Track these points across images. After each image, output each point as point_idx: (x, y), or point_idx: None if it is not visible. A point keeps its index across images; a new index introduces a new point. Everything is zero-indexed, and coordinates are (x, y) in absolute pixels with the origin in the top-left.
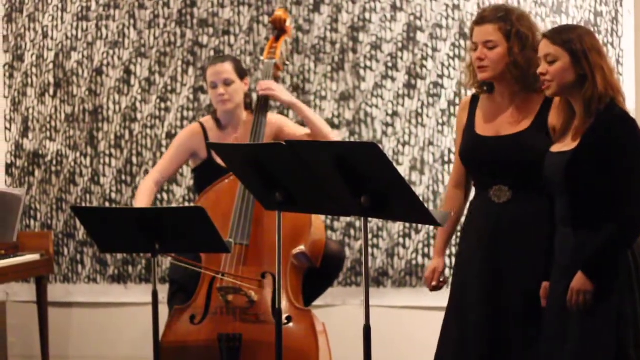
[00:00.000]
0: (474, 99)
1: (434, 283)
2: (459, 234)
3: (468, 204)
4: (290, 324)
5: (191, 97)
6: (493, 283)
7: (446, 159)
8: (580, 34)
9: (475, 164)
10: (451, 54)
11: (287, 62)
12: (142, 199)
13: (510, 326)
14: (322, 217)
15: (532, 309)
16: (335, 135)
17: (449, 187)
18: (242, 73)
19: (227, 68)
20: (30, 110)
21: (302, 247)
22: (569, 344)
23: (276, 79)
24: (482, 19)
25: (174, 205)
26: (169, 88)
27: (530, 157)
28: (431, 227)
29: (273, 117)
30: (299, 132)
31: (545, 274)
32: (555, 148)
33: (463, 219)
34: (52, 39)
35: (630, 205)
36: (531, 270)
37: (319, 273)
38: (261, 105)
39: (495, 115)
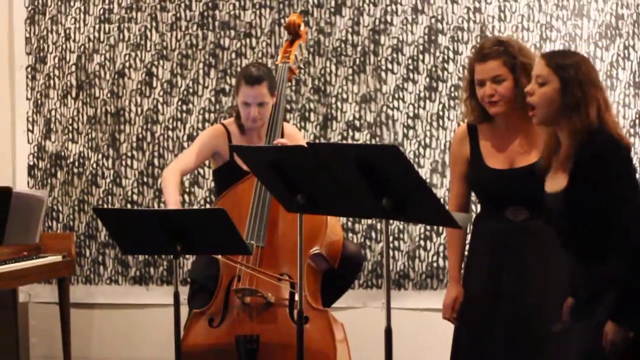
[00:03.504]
0: (472, 129)
1: (455, 314)
2: None
3: (478, 226)
4: (308, 325)
5: (212, 99)
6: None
7: None
8: (578, 62)
9: (489, 194)
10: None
11: (302, 66)
12: (172, 191)
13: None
14: (342, 219)
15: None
16: None
17: (450, 208)
18: (273, 89)
19: (264, 92)
20: (53, 112)
21: (317, 249)
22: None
23: (290, 82)
24: (484, 56)
25: (195, 207)
26: (191, 90)
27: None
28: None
29: (291, 128)
30: None
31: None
32: (548, 187)
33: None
34: (74, 41)
35: (630, 239)
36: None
37: (338, 274)
38: (277, 109)
39: (504, 146)
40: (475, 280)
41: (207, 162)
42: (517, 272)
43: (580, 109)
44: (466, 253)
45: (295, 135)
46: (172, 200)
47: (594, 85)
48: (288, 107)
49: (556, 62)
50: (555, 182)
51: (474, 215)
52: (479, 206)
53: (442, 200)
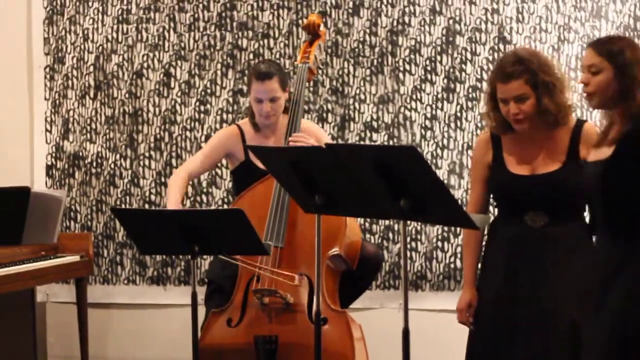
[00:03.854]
0: (495, 137)
1: (471, 319)
2: None
3: (488, 229)
4: (326, 326)
5: (230, 100)
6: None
7: None
8: (625, 45)
9: (510, 199)
10: (490, 58)
11: (321, 67)
12: (172, 192)
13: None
14: (360, 219)
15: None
16: None
17: (469, 209)
18: (285, 85)
19: (274, 86)
20: (71, 113)
21: (336, 250)
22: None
23: (309, 82)
24: (507, 76)
25: (213, 207)
26: (209, 91)
27: (566, 191)
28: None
29: (307, 124)
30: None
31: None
32: (592, 157)
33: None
34: (92, 41)
35: None
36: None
37: (356, 275)
38: (296, 109)
39: (527, 154)
40: (490, 285)
41: (224, 163)
42: (534, 277)
43: (636, 91)
44: (482, 256)
45: (310, 128)
46: (172, 200)
47: None
48: (306, 107)
49: (606, 49)
50: (600, 153)
51: (492, 217)
52: (496, 210)
53: (459, 202)
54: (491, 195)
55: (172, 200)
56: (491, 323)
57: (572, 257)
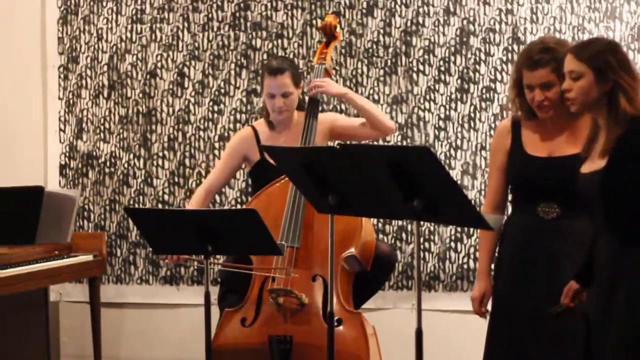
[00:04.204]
0: (515, 125)
1: (483, 309)
2: None
3: (511, 221)
4: (341, 327)
5: (244, 99)
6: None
7: None
8: (605, 49)
9: (525, 183)
10: (504, 59)
11: (337, 67)
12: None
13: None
14: (373, 220)
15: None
16: (389, 121)
17: (485, 209)
18: (298, 80)
19: (286, 81)
20: (85, 112)
21: (352, 250)
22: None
23: None
24: (534, 63)
25: (226, 207)
26: (222, 91)
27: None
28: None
29: (324, 116)
30: (354, 122)
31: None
32: (585, 168)
33: None
34: (106, 41)
35: None
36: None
37: (370, 275)
38: (312, 109)
39: (546, 138)
40: (504, 275)
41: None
42: (545, 269)
43: (618, 95)
44: (498, 249)
45: (326, 120)
46: None
47: (624, 70)
48: (319, 107)
49: (586, 54)
50: (593, 164)
51: (505, 218)
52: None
53: (473, 202)
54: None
55: None
56: (505, 314)
57: (582, 251)
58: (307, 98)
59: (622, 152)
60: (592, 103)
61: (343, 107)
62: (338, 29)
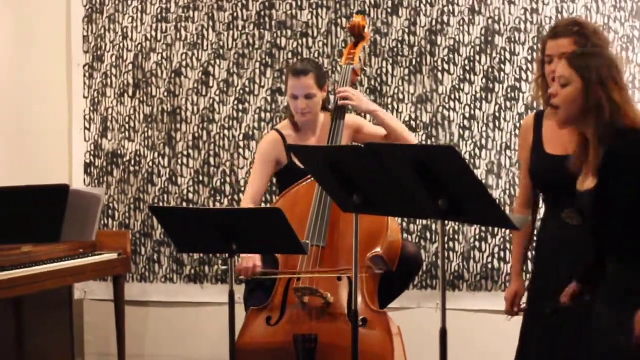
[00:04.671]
0: (538, 118)
1: (515, 308)
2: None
3: (539, 226)
4: (366, 327)
5: (269, 98)
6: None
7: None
8: (601, 63)
9: (545, 184)
10: (529, 58)
11: (365, 68)
12: None
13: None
14: (398, 219)
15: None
16: (414, 140)
17: (517, 207)
18: (322, 83)
19: (310, 83)
20: (110, 111)
21: (378, 250)
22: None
23: (354, 84)
24: (557, 33)
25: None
26: (247, 90)
27: None
28: (507, 232)
29: (350, 119)
30: (378, 133)
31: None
32: (580, 184)
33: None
34: (131, 40)
35: None
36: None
37: (396, 275)
38: (339, 112)
39: (561, 133)
40: (537, 280)
41: None
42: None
43: (604, 110)
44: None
45: (354, 123)
46: None
47: (616, 86)
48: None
49: (579, 63)
50: (586, 182)
51: (530, 217)
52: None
53: (498, 202)
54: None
55: None
56: (535, 316)
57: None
58: (332, 98)
59: (609, 170)
60: (576, 116)
61: None
62: (366, 30)
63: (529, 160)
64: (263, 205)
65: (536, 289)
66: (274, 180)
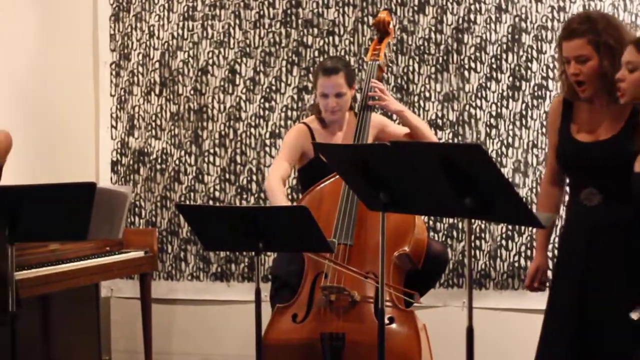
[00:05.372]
0: (567, 101)
1: (535, 284)
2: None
3: (565, 207)
4: (393, 325)
5: (295, 97)
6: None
7: None
8: None
9: (572, 168)
10: (556, 56)
11: (390, 64)
12: (284, 200)
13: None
14: (424, 217)
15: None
16: (436, 140)
17: (543, 184)
18: (351, 81)
19: (340, 81)
20: (136, 109)
21: (405, 248)
22: None
23: (379, 80)
24: (570, 33)
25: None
26: (273, 88)
27: (622, 160)
28: (534, 230)
29: (375, 117)
30: (401, 132)
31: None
32: (637, 167)
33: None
34: (158, 38)
35: None
36: (625, 284)
37: (422, 274)
38: (366, 110)
39: (592, 121)
40: (560, 264)
41: None
42: (586, 259)
43: None
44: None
45: (380, 122)
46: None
47: None
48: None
49: None
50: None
51: (557, 215)
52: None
53: (524, 200)
54: None
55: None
56: (557, 304)
57: (622, 243)
58: (357, 96)
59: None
60: None
61: None
62: (391, 25)
63: (557, 143)
64: (288, 202)
65: (557, 274)
66: (297, 176)
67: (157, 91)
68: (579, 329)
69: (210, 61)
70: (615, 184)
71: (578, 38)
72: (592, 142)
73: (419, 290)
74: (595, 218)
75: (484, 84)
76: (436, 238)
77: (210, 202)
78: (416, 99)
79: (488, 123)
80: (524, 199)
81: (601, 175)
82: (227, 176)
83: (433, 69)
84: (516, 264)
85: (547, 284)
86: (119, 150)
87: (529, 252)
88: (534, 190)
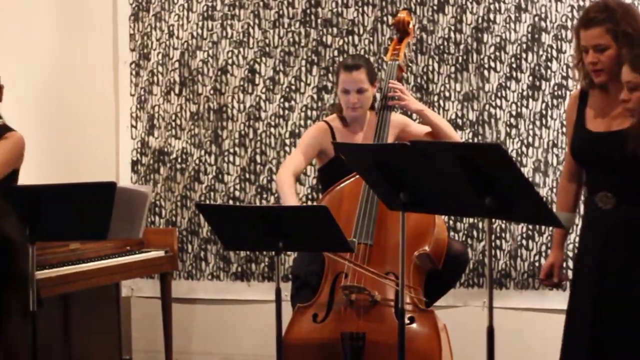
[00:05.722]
0: (583, 94)
1: (555, 279)
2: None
3: (583, 203)
4: (413, 325)
5: (315, 96)
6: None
7: None
8: None
9: (586, 161)
10: (576, 55)
11: (410, 64)
12: (291, 192)
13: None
14: (444, 217)
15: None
16: (458, 139)
17: (562, 180)
18: (373, 78)
19: (362, 77)
20: (156, 109)
21: (425, 248)
22: None
23: (399, 80)
24: (588, 22)
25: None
26: (293, 87)
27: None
28: (554, 229)
29: (396, 117)
30: (423, 132)
31: None
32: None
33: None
34: (177, 37)
35: None
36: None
37: (442, 274)
38: (386, 110)
39: (606, 111)
40: (579, 263)
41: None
42: (603, 259)
43: None
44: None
45: (401, 122)
46: (292, 202)
47: None
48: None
49: None
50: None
51: (577, 215)
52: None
53: (544, 200)
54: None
55: (292, 202)
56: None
57: (635, 245)
58: (377, 96)
59: None
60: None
61: None
62: (411, 25)
63: (572, 136)
64: (295, 195)
65: (577, 273)
66: (318, 176)
67: (176, 91)
68: (597, 328)
69: (230, 61)
70: (629, 183)
71: (596, 27)
72: (603, 132)
73: (439, 290)
74: (610, 219)
75: (503, 84)
76: (456, 238)
77: (230, 202)
78: (436, 98)
79: (508, 123)
80: (544, 199)
81: (613, 171)
82: (247, 176)
83: (453, 69)
84: (537, 264)
85: (565, 283)
86: (139, 150)
87: (549, 252)
88: (554, 189)
